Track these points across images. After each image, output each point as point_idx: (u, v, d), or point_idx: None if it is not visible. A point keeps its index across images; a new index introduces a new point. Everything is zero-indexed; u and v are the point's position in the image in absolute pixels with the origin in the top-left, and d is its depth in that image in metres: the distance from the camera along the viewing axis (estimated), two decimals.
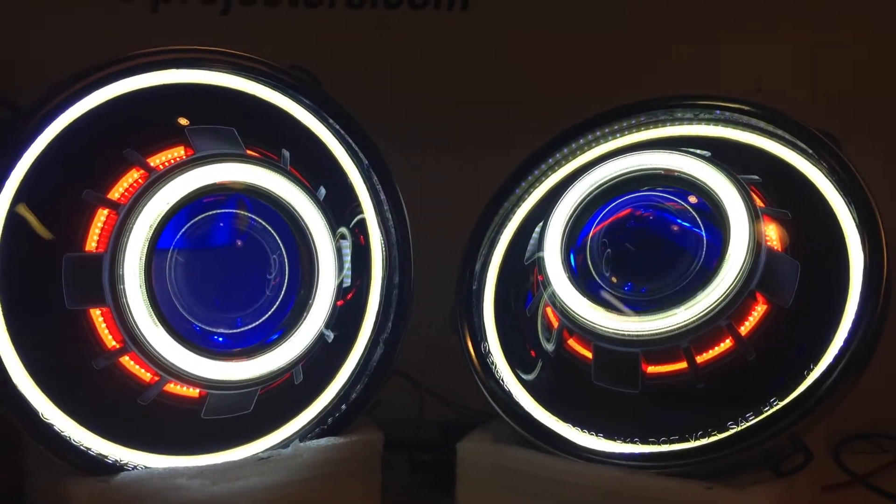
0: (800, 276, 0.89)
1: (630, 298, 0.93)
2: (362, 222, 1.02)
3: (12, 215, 0.84)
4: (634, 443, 0.91)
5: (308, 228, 0.95)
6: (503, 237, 1.06)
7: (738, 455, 0.86)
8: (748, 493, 0.84)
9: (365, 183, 1.02)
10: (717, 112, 0.99)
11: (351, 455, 0.97)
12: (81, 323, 0.86)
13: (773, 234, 0.92)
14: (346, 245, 0.99)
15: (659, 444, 0.89)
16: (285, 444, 0.95)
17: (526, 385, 0.99)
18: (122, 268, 0.85)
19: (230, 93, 0.95)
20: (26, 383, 0.84)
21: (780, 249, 0.91)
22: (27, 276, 0.85)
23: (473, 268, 1.05)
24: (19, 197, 0.84)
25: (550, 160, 1.08)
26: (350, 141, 1.01)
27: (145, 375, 0.88)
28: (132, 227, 0.85)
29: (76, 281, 0.85)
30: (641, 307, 0.92)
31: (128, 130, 0.89)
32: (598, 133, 1.06)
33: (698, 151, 0.95)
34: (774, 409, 0.86)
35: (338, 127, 1.00)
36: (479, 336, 1.02)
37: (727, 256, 0.89)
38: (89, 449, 0.86)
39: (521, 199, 1.08)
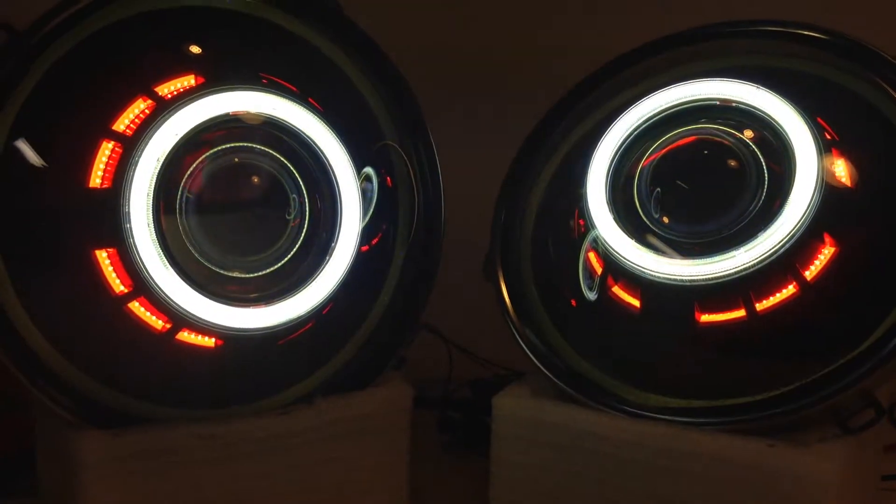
0: (872, 216, 0.81)
1: (683, 241, 0.86)
2: (389, 162, 0.95)
3: (9, 149, 0.77)
4: (686, 398, 0.83)
5: (331, 166, 0.88)
6: (541, 179, 0.99)
7: (802, 410, 0.78)
8: (814, 451, 0.77)
9: (392, 121, 0.95)
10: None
11: (377, 410, 0.91)
12: (86, 266, 0.80)
13: (842, 169, 0.83)
14: (372, 187, 0.93)
15: (714, 398, 0.82)
16: (307, 397, 0.89)
17: (566, 336, 0.92)
18: (129, 205, 0.79)
19: (245, 18, 0.87)
20: (29, 330, 0.78)
21: (850, 186, 0.83)
22: (27, 215, 0.79)
23: (510, 212, 0.98)
24: (16, 129, 0.78)
25: (590, 98, 0.99)
26: (376, 75, 0.93)
27: (156, 323, 0.83)
28: (139, 161, 0.79)
29: (79, 220, 0.79)
30: (696, 250, 0.84)
31: (133, 57, 0.82)
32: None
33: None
34: (844, 360, 0.78)
35: (363, 59, 0.93)
36: (516, 284, 0.95)
37: (792, 194, 0.81)
38: (97, 401, 0.80)
39: (560, 139, 1.00)
